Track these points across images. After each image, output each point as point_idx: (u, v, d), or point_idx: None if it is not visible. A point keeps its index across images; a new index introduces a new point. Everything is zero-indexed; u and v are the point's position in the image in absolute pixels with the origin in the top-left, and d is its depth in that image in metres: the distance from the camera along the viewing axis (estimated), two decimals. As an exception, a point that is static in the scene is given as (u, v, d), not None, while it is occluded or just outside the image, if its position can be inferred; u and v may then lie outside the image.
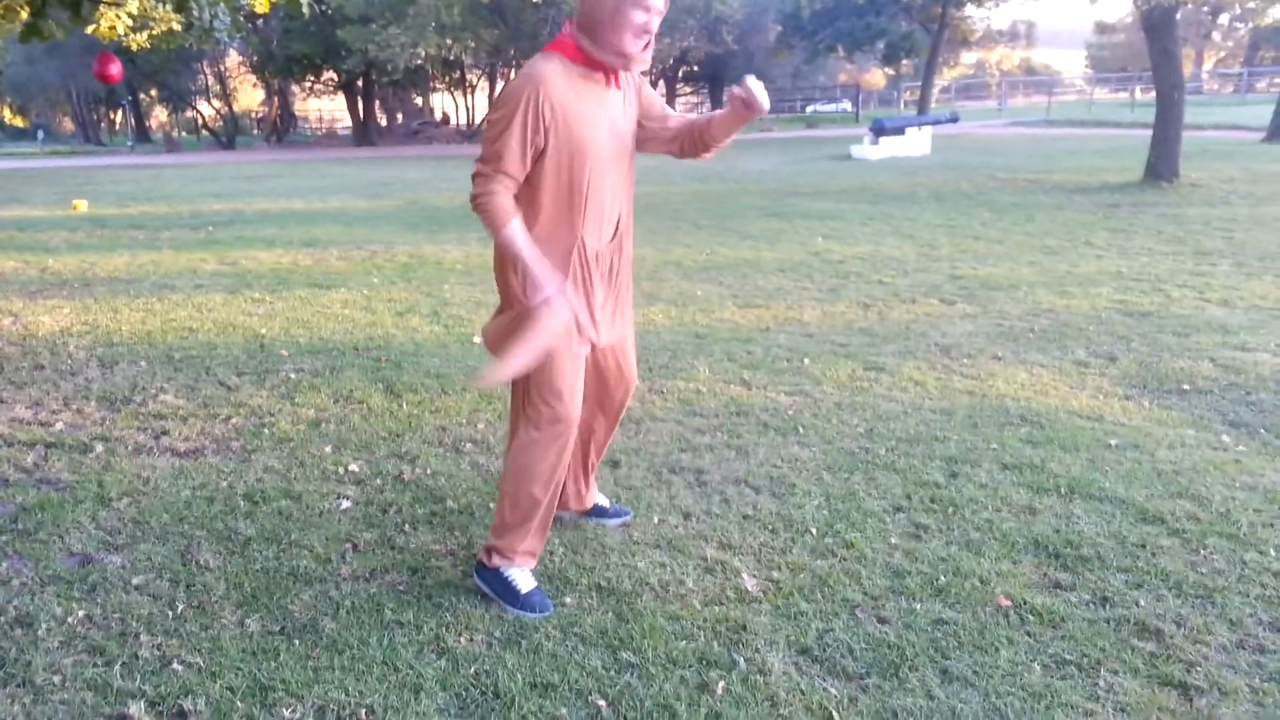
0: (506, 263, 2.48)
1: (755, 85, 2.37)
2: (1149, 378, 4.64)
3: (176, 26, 7.09)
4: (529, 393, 2.52)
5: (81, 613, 2.58)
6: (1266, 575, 2.78)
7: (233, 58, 42.62)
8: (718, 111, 2.58)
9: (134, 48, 7.72)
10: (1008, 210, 10.78)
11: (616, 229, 2.59)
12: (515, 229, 2.37)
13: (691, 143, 2.62)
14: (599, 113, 2.42)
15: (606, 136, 2.44)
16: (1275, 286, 6.51)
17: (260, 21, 29.48)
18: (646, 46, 2.39)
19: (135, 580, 2.76)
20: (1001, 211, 10.69)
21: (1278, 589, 2.70)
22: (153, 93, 46.28)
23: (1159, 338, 5.31)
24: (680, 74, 47.18)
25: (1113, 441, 3.80)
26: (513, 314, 2.50)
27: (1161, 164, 12.47)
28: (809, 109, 43.91)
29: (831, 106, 44.36)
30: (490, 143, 2.35)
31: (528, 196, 2.43)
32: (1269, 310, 5.88)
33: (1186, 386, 4.50)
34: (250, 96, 52.80)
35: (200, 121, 45.31)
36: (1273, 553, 2.90)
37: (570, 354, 2.51)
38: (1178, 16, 12.46)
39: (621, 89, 2.51)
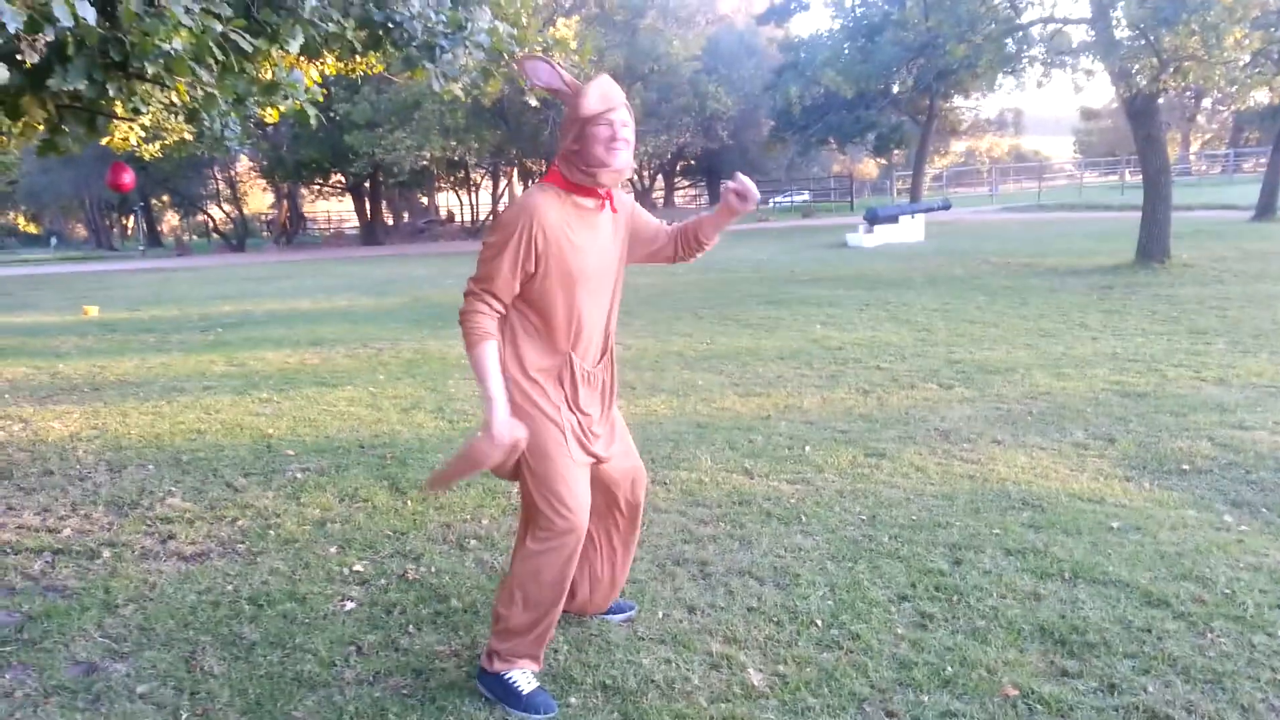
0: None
1: (746, 180, 2.56)
2: (1148, 458, 4.66)
3: (188, 136, 7.30)
4: (537, 503, 2.57)
5: (85, 722, 2.58)
6: (1276, 659, 2.76)
7: (243, 163, 43.72)
8: (706, 213, 2.76)
9: (146, 157, 7.95)
10: (1002, 294, 10.92)
11: (606, 349, 2.70)
12: (487, 350, 2.47)
13: (686, 245, 2.80)
14: (591, 240, 2.55)
15: (597, 261, 2.56)
16: (1271, 364, 6.57)
17: (270, 128, 30.33)
18: (624, 152, 2.50)
19: (140, 689, 2.76)
20: (996, 295, 10.83)
21: (1287, 672, 2.68)
22: (164, 198, 47.36)
23: (1157, 418, 5.35)
24: (678, 168, 48.32)
25: (1114, 524, 3.81)
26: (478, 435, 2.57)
27: (1152, 245, 12.68)
28: (770, 202, 43.06)
29: (788, 199, 43.45)
30: (483, 264, 2.48)
31: (524, 318, 2.55)
32: (1265, 388, 5.92)
33: (1186, 466, 4.52)
34: (260, 200, 53.98)
35: (211, 225, 46.25)
36: (1280, 634, 2.90)
37: (574, 465, 2.58)
38: (1159, 102, 12.82)
39: (617, 211, 2.63)
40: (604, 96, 2.46)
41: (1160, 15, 10.18)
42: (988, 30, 12.91)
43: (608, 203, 2.59)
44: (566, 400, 2.60)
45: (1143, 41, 11.11)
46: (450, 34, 4.27)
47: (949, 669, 2.76)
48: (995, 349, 7.63)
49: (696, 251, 2.81)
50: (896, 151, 38.79)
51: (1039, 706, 2.55)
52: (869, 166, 55.98)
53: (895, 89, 29.24)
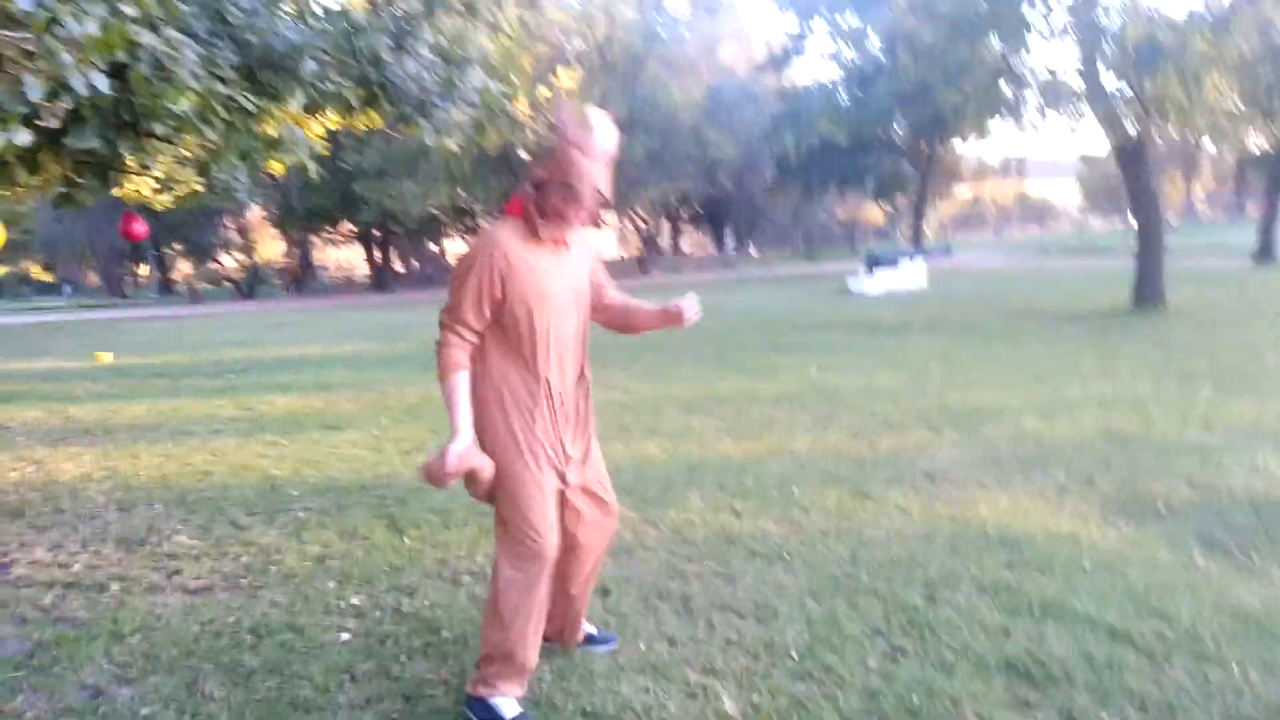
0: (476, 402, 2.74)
1: (690, 304, 2.84)
2: (1126, 500, 4.79)
3: (199, 187, 7.55)
4: (509, 528, 2.73)
5: (92, 745, 2.72)
6: (1229, 691, 2.87)
7: (255, 212, 44.38)
8: (648, 307, 2.97)
9: (158, 208, 8.19)
10: (998, 338, 11.08)
11: (581, 373, 2.87)
12: (457, 381, 2.67)
13: (619, 322, 3.02)
14: (554, 265, 2.75)
15: (562, 287, 2.76)
16: (1254, 406, 6.70)
17: (280, 179, 30.82)
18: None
19: (144, 711, 2.90)
20: (992, 340, 10.99)
21: (1239, 704, 2.79)
22: (177, 246, 48.01)
23: (1138, 460, 5.48)
24: (683, 214, 48.83)
25: (1087, 563, 3.93)
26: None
27: (1147, 290, 12.86)
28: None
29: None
30: (452, 294, 2.68)
31: (497, 339, 2.72)
32: (1245, 431, 6.05)
33: (1162, 508, 4.64)
34: (271, 248, 54.66)
35: (222, 273, 46.90)
36: (1235, 668, 3.00)
37: (540, 490, 2.73)
38: (1159, 146, 13.04)
39: (570, 246, 2.80)
40: (610, 137, 2.66)
41: (1140, 63, 10.44)
42: (975, 77, 13.20)
43: (561, 243, 2.77)
44: (542, 424, 2.75)
45: (1128, 88, 11.39)
46: (443, 93, 4.52)
47: (915, 699, 2.88)
48: (987, 393, 7.77)
49: (625, 332, 3.02)
50: (900, 196, 39.21)
51: (998, 733, 2.67)
52: (875, 212, 56.49)
53: (895, 135, 29.68)
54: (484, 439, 2.76)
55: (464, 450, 2.63)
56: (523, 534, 2.70)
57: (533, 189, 2.72)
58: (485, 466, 2.68)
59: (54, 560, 4.37)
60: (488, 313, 2.69)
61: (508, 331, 2.71)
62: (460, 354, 2.68)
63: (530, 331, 2.71)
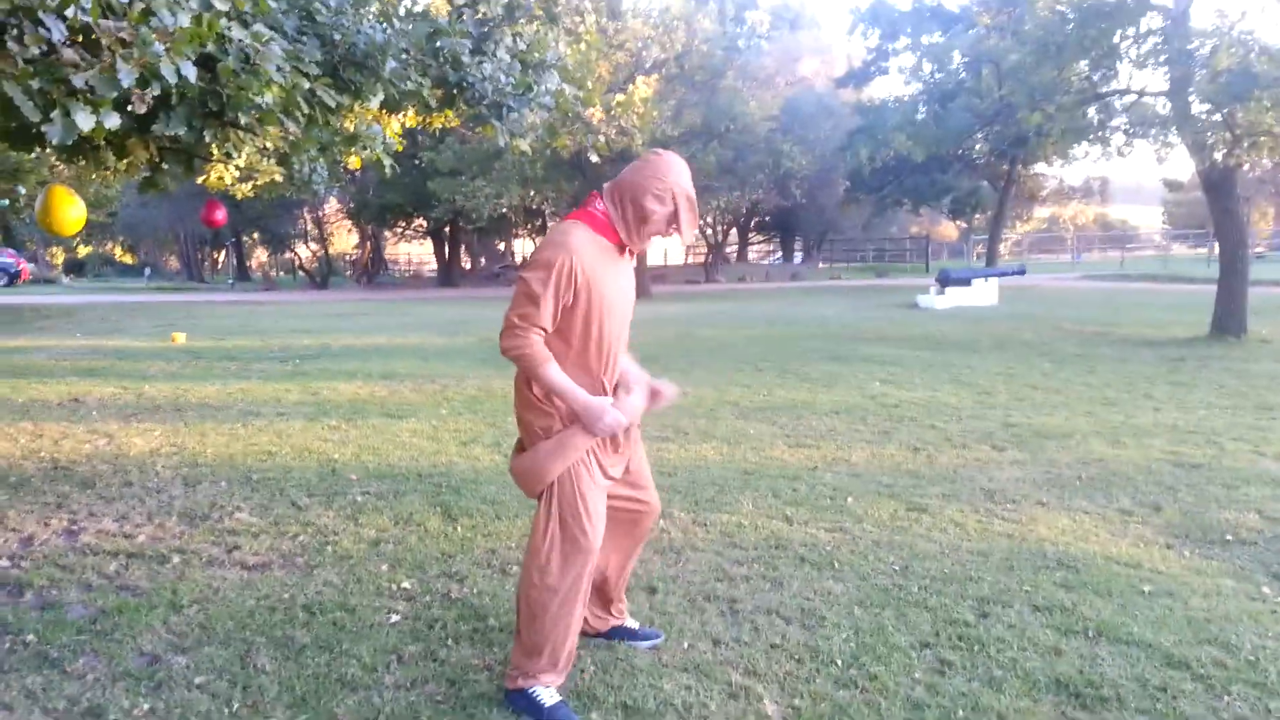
0: (532, 403, 2.79)
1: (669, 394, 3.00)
2: (1192, 527, 4.64)
3: (278, 178, 7.76)
4: (560, 523, 2.75)
5: (146, 706, 2.82)
6: (1291, 724, 2.78)
7: (331, 205, 45.38)
8: (632, 370, 2.98)
9: (239, 196, 8.43)
10: (1069, 361, 10.82)
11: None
12: (554, 369, 2.69)
13: None
14: (616, 274, 2.79)
15: (621, 295, 2.81)
16: (1337, 442, 6.43)
17: (357, 173, 31.52)
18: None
19: (197, 680, 2.99)
20: (1063, 362, 10.74)
21: (1302, 739, 2.70)
22: (255, 235, 49.32)
23: (1207, 489, 5.31)
24: (752, 223, 48.62)
25: (1147, 588, 3.83)
26: (541, 444, 2.78)
27: (1228, 319, 12.43)
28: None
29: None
30: (525, 298, 2.65)
31: (558, 345, 2.74)
32: (1326, 465, 5.82)
33: (1230, 537, 4.49)
34: (345, 240, 55.83)
35: (297, 263, 48.04)
36: (1300, 703, 2.90)
37: (595, 488, 2.77)
38: (1251, 175, 12.63)
39: (632, 256, 2.89)
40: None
41: (1232, 91, 10.11)
42: (1061, 100, 12.90)
43: (627, 251, 2.84)
44: None
45: (1217, 116, 11.02)
46: (518, 95, 4.58)
47: (960, 713, 2.83)
48: (1054, 415, 7.60)
49: None
50: (977, 215, 38.56)
51: (1045, 754, 2.61)
52: (949, 229, 55.58)
53: (974, 153, 29.20)
54: (530, 435, 2.81)
55: (611, 405, 2.76)
56: (577, 529, 2.74)
57: (632, 206, 2.75)
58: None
59: (120, 530, 4.52)
60: (559, 317, 2.70)
61: (570, 337, 2.74)
62: (544, 347, 2.68)
63: (597, 338, 2.75)
